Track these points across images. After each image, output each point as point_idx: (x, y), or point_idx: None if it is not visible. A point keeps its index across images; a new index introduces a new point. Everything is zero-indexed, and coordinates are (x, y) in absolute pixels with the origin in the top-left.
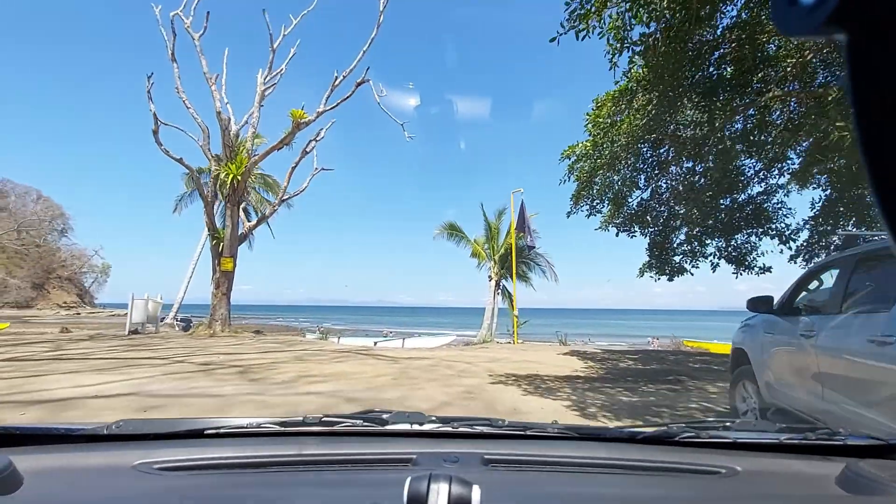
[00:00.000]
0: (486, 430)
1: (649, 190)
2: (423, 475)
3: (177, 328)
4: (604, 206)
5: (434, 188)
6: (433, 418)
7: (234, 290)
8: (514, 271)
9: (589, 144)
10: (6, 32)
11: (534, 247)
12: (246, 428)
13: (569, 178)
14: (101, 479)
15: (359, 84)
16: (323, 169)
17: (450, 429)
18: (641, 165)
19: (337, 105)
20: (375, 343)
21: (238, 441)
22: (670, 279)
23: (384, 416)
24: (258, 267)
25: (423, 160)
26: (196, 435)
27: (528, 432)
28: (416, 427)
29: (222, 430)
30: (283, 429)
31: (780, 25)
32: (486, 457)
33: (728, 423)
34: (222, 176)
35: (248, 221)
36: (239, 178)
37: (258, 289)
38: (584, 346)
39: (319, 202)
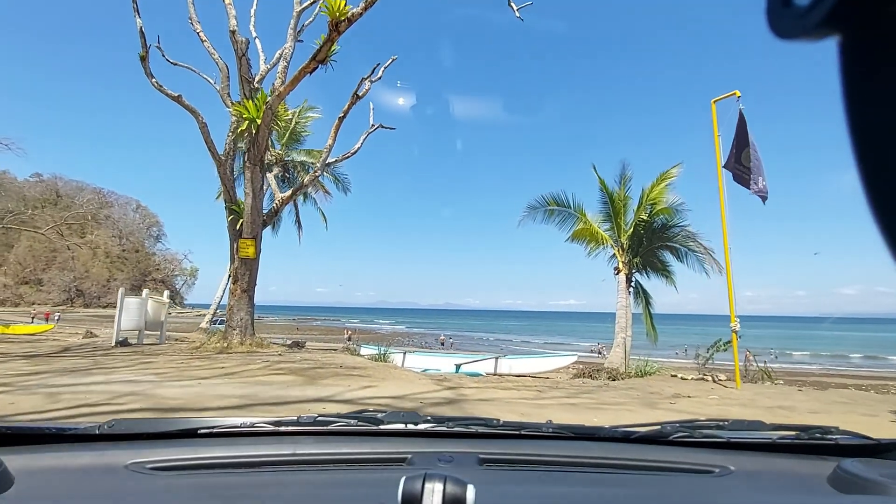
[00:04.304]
0: (481, 429)
1: None
2: (417, 475)
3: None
4: None
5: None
6: (428, 418)
7: (309, 293)
8: (725, 245)
9: None
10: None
11: (762, 193)
12: (240, 428)
13: None
14: (93, 479)
15: None
16: (381, 126)
17: (445, 428)
18: None
19: None
20: (458, 367)
21: (232, 441)
22: None
23: (379, 415)
24: (330, 269)
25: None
26: (189, 434)
27: (523, 432)
28: (410, 427)
29: (216, 430)
30: (277, 428)
31: (774, 28)
32: (481, 456)
33: (721, 423)
34: (235, 117)
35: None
36: (259, 120)
37: (331, 291)
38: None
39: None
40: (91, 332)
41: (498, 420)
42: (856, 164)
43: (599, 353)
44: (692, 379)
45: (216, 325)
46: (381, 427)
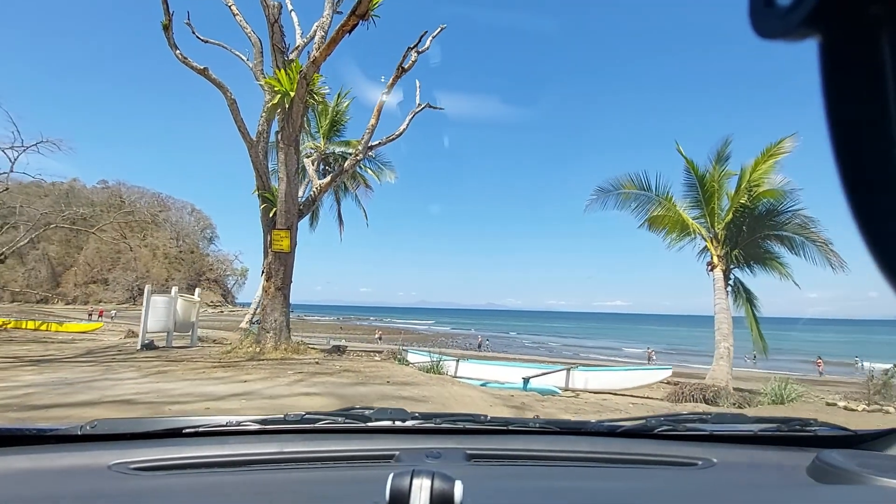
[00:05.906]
0: (468, 425)
1: None
2: (405, 471)
3: None
4: None
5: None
6: (416, 414)
7: (353, 293)
8: None
9: None
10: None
11: None
12: (226, 426)
13: None
14: (76, 481)
15: None
16: (429, 106)
17: (432, 425)
18: None
19: None
20: (527, 382)
21: (218, 440)
22: None
23: (366, 412)
24: (372, 269)
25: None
26: (174, 434)
27: (511, 427)
28: (398, 423)
29: (201, 429)
30: (263, 427)
31: (757, 28)
32: (468, 452)
33: (705, 416)
34: (268, 93)
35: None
36: (292, 93)
37: (374, 290)
38: None
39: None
40: (132, 332)
41: (485, 416)
42: (835, 162)
43: (650, 359)
44: (863, 410)
45: (256, 325)
46: (369, 424)
